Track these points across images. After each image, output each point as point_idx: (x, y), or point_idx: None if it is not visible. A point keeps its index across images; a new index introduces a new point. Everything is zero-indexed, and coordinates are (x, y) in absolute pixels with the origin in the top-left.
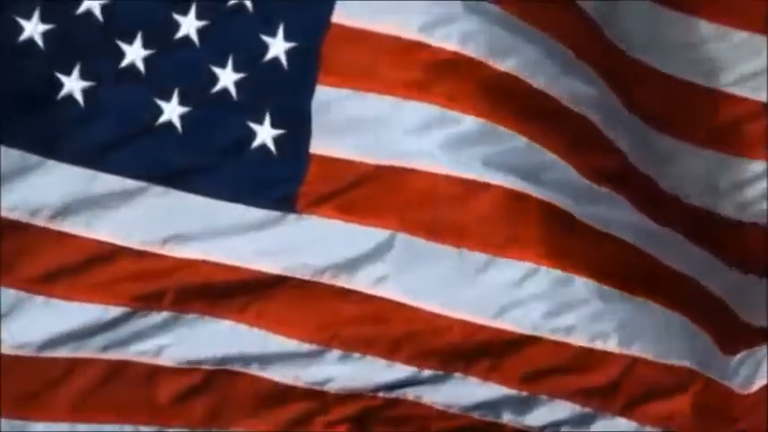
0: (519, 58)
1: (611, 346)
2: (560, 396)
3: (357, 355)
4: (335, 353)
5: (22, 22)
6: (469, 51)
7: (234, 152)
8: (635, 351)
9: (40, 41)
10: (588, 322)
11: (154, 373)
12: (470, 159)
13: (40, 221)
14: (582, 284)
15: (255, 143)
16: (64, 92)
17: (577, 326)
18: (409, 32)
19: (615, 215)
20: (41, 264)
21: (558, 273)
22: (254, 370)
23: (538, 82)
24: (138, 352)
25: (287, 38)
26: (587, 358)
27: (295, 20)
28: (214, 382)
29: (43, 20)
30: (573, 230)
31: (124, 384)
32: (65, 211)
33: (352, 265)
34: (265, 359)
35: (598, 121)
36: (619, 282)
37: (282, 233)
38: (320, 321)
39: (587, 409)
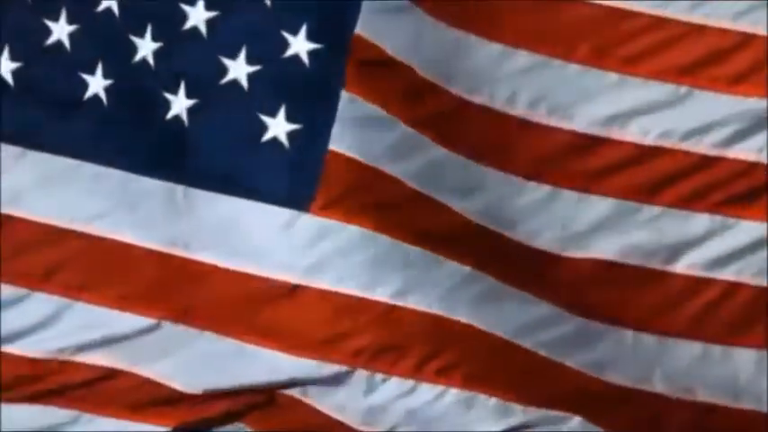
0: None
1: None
2: None
3: (381, 376)
4: (361, 373)
5: (51, 24)
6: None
7: (244, 146)
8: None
9: (66, 43)
10: None
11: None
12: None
13: (78, 227)
14: None
15: (267, 136)
16: (90, 92)
17: None
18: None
19: None
20: (80, 269)
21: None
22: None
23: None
24: (157, 372)
25: (310, 38)
26: None
27: (319, 23)
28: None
29: (69, 21)
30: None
31: (148, 395)
32: (102, 213)
33: (371, 273)
34: (288, 383)
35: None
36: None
37: (298, 235)
38: (341, 336)
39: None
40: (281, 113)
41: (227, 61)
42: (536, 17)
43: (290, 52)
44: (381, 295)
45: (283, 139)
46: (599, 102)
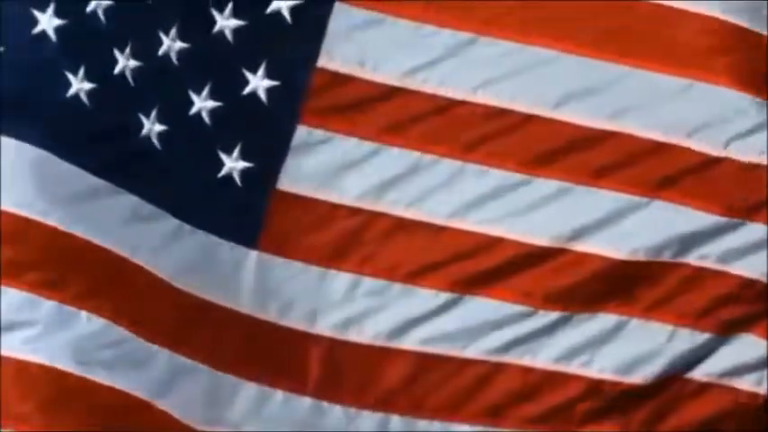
0: (498, 92)
1: None
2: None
3: (325, 404)
4: (306, 400)
5: (37, 14)
6: (447, 92)
7: (202, 178)
8: None
9: (52, 36)
10: None
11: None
12: (440, 205)
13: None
14: None
15: (222, 172)
16: (72, 91)
17: None
18: (392, 78)
19: None
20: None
21: None
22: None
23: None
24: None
25: (269, 76)
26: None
27: (278, 60)
28: None
29: (57, 14)
30: None
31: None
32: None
33: (318, 308)
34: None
35: None
36: None
37: (247, 270)
38: (289, 366)
39: None
40: (236, 151)
41: (193, 94)
42: (540, 10)
43: (248, 89)
44: (325, 329)
45: (236, 176)
46: (604, 95)
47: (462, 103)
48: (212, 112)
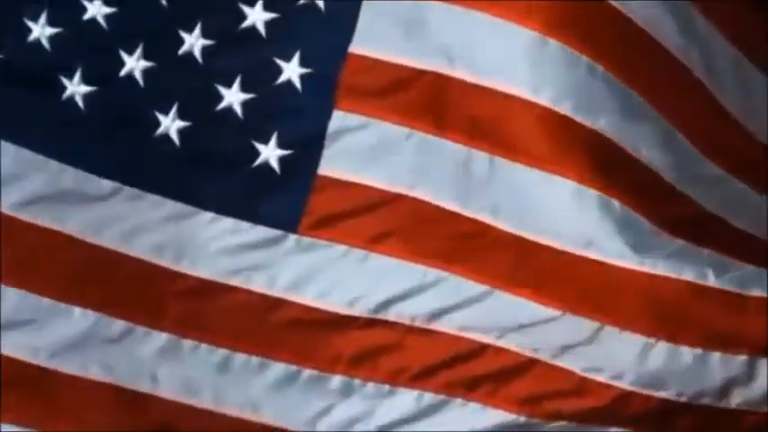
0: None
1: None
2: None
3: (357, 381)
4: (337, 379)
5: (30, 23)
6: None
7: (234, 170)
8: None
9: (46, 44)
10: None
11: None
12: (473, 195)
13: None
14: None
15: (258, 162)
16: (67, 94)
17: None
18: (421, 62)
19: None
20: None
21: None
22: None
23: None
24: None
25: (302, 64)
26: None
27: (312, 48)
28: None
29: (50, 23)
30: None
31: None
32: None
33: (359, 290)
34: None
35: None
36: None
37: (283, 254)
38: (321, 346)
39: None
40: (273, 140)
41: (221, 89)
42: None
43: (282, 78)
44: (362, 311)
45: (275, 164)
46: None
47: (504, 94)
48: (244, 103)
